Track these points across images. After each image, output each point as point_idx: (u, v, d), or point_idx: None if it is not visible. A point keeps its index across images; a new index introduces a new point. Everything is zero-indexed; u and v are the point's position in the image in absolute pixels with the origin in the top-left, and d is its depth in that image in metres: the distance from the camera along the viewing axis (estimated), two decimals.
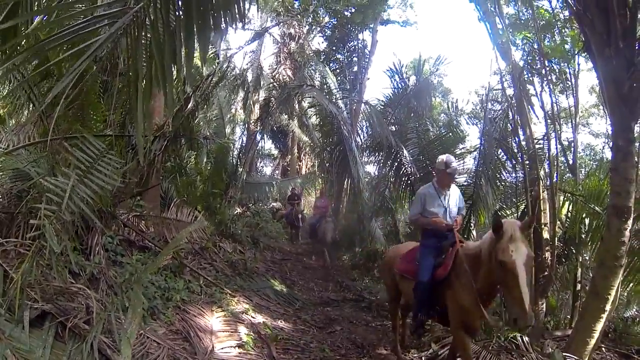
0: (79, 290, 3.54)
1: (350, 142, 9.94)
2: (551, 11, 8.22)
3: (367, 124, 11.60)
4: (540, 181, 6.31)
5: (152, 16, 2.21)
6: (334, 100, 11.20)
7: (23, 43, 2.65)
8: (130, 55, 2.16)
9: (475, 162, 7.14)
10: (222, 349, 4.24)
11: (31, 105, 4.81)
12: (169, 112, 5.28)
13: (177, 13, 2.31)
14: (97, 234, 4.45)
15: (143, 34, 2.20)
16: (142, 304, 2.95)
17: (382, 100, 11.22)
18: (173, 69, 2.31)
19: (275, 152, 23.92)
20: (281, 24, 17.27)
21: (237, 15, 2.40)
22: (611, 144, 4.94)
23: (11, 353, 2.60)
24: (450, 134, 9.39)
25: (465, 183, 7.56)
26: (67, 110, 4.07)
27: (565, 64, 8.87)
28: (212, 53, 14.55)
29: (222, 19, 2.34)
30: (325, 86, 12.07)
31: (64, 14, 2.47)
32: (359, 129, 12.34)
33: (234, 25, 2.45)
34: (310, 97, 11.93)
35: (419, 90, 10.99)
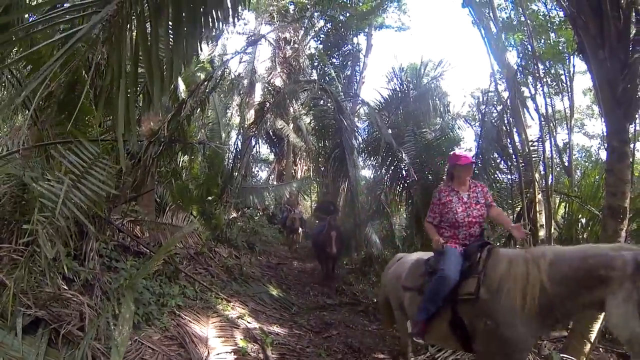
0: (73, 296, 3.51)
1: (349, 142, 9.90)
2: (546, 12, 8.28)
3: (365, 125, 11.57)
4: (536, 183, 6.31)
5: (139, 7, 2.14)
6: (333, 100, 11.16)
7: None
8: (113, 48, 2.08)
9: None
10: (217, 355, 4.20)
11: (26, 111, 4.77)
12: (155, 108, 5.16)
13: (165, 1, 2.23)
14: (91, 239, 4.40)
15: (128, 26, 2.12)
16: (131, 310, 2.91)
17: (379, 103, 11.20)
18: (161, 66, 2.25)
19: (271, 156, 23.89)
20: (277, 29, 17.24)
21: (229, 16, 2.36)
22: (606, 145, 4.95)
23: None
24: (446, 136, 9.42)
25: None
26: (60, 115, 4.03)
27: (560, 65, 8.93)
28: (208, 56, 14.55)
29: (214, 17, 2.29)
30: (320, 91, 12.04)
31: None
32: (355, 132, 12.30)
33: (225, 25, 2.40)
34: (309, 96, 11.80)
35: (419, 95, 11.00)
